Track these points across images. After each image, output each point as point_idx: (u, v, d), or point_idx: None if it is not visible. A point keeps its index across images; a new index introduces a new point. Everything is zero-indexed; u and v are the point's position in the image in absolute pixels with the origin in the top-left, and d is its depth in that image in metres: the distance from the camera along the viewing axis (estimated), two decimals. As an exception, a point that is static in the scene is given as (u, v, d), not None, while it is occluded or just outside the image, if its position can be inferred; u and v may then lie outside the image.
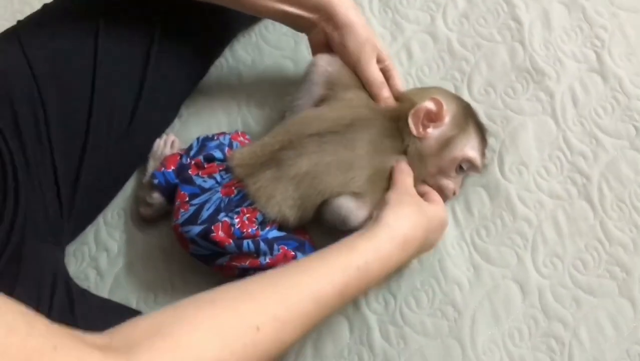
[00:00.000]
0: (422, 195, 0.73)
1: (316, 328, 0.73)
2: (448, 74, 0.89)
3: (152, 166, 0.82)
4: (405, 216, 0.65)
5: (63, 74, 0.74)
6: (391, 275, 0.75)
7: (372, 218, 0.67)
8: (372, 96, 0.76)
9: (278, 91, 0.88)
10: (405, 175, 0.72)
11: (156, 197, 0.78)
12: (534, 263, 0.75)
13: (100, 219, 0.83)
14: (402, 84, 0.81)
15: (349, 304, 0.60)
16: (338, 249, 0.60)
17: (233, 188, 0.71)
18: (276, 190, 0.71)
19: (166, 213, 0.78)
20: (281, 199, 0.71)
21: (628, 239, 0.75)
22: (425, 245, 0.70)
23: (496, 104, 0.86)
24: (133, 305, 0.77)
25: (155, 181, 0.77)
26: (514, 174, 0.81)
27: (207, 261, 0.72)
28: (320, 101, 0.78)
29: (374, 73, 0.77)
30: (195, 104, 0.89)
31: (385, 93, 0.76)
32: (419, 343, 0.72)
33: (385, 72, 0.79)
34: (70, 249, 0.81)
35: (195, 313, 0.49)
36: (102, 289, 0.78)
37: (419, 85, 0.89)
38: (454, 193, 0.77)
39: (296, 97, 0.78)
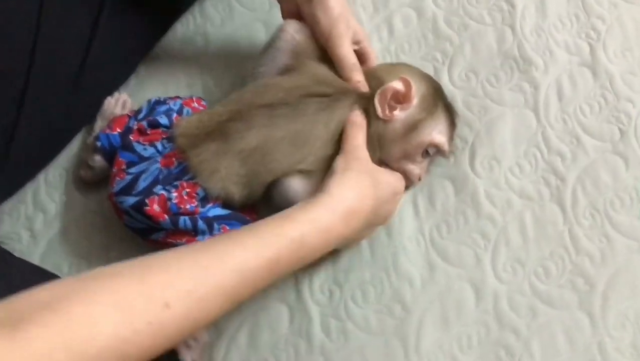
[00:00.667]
0: None
1: (253, 314, 0.71)
2: (429, 55, 0.84)
3: (99, 126, 0.78)
4: (351, 185, 0.61)
5: (2, 14, 0.68)
6: (340, 261, 0.72)
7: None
8: (342, 78, 0.71)
9: (245, 56, 0.83)
10: (357, 130, 0.67)
11: (98, 160, 0.74)
12: (493, 266, 0.71)
13: (40, 178, 0.79)
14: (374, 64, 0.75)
15: (281, 277, 0.55)
16: (272, 220, 0.56)
17: (173, 159, 0.67)
18: (220, 164, 0.66)
19: (109, 177, 0.73)
20: (226, 174, 0.66)
21: (596, 250, 0.71)
22: (376, 218, 0.65)
23: (476, 92, 0.80)
24: (64, 272, 0.74)
25: (98, 144, 0.73)
26: (485, 168, 0.76)
27: (142, 235, 0.69)
28: (285, 71, 0.73)
29: (346, 53, 0.71)
30: (154, 63, 0.84)
31: (357, 77, 0.70)
32: (360, 340, 0.69)
33: (360, 55, 0.73)
34: (6, 207, 0.77)
35: (97, 285, 0.45)
36: (34, 253, 0.75)
37: (396, 63, 0.84)
38: (419, 179, 0.73)
39: (258, 64, 0.73)
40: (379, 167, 0.66)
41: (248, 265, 0.51)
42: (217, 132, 0.67)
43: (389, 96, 0.68)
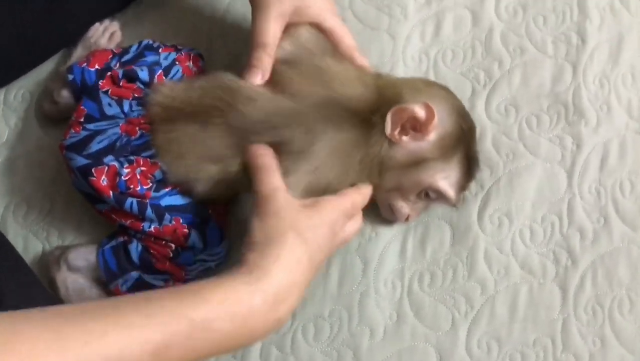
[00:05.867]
0: None
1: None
2: (472, 72, 0.75)
3: (78, 55, 0.70)
4: (280, 260, 0.51)
5: None
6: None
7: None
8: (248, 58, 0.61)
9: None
10: (265, 173, 0.56)
11: (65, 96, 0.67)
12: (467, 338, 0.66)
13: (0, 94, 0.72)
14: (353, 43, 0.66)
15: None
16: (173, 293, 0.47)
17: (137, 127, 0.60)
18: (191, 152, 0.59)
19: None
20: (192, 164, 0.59)
21: (586, 351, 0.65)
22: (319, 265, 0.56)
23: (510, 131, 0.72)
24: (-1, 211, 0.68)
25: (70, 77, 0.65)
26: (493, 223, 0.69)
27: (88, 199, 0.63)
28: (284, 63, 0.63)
29: (262, 29, 0.60)
30: (161, -5, 0.76)
31: (259, 59, 0.60)
32: (298, 379, 0.64)
33: (329, 35, 0.64)
34: (-47, 117, 0.71)
35: None
36: (-29, 181, 0.69)
37: (431, 72, 0.74)
38: (407, 220, 0.66)
39: None
40: (300, 209, 0.55)
41: (127, 351, 0.42)
42: (204, 114, 0.59)
43: (405, 118, 0.60)
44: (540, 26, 0.76)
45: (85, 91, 0.65)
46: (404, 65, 0.75)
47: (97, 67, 0.66)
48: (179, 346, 0.45)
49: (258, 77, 0.60)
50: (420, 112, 0.60)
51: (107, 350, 0.42)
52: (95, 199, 0.61)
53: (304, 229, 0.54)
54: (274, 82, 0.61)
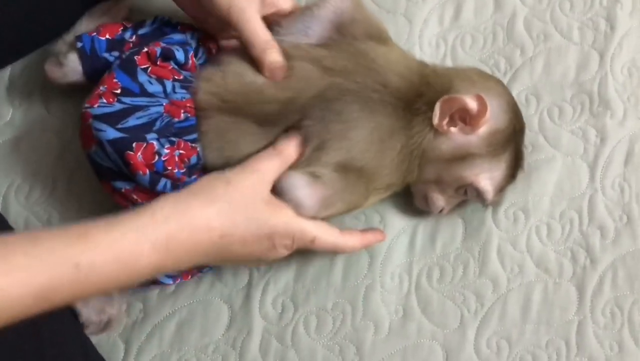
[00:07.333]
0: None
1: (189, 305, 0.65)
2: (492, 58, 0.72)
3: (83, 27, 0.68)
4: (190, 211, 0.51)
5: None
6: (305, 275, 0.65)
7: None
8: (255, 60, 0.59)
9: None
10: (269, 153, 0.57)
11: (72, 60, 0.64)
12: (476, 337, 0.63)
13: (5, 73, 0.71)
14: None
15: (67, 304, 0.48)
16: (63, 234, 0.47)
17: (182, 110, 0.59)
18: (235, 142, 0.59)
19: (81, 90, 0.63)
20: (235, 154, 0.58)
21: (602, 356, 0.62)
22: (237, 257, 0.55)
23: (531, 122, 0.69)
24: (1, 192, 0.68)
25: (79, 44, 0.64)
26: (508, 218, 0.66)
27: (101, 175, 0.61)
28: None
29: (254, 29, 0.60)
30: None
31: (272, 56, 0.59)
32: (298, 373, 0.62)
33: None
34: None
35: None
36: (-28, 160, 0.69)
37: (449, 58, 0.72)
38: (441, 212, 0.64)
39: (286, 30, 0.62)
40: (256, 204, 0.54)
41: (8, 292, 0.42)
42: (253, 109, 0.59)
43: (454, 108, 0.58)
44: (567, 11, 0.73)
45: (94, 59, 0.63)
46: (420, 50, 0.72)
47: (107, 36, 0.64)
48: (64, 289, 0.45)
49: (281, 74, 0.59)
50: (472, 103, 0.57)
51: None
52: (114, 175, 0.59)
53: (238, 213, 0.53)
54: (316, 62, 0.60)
